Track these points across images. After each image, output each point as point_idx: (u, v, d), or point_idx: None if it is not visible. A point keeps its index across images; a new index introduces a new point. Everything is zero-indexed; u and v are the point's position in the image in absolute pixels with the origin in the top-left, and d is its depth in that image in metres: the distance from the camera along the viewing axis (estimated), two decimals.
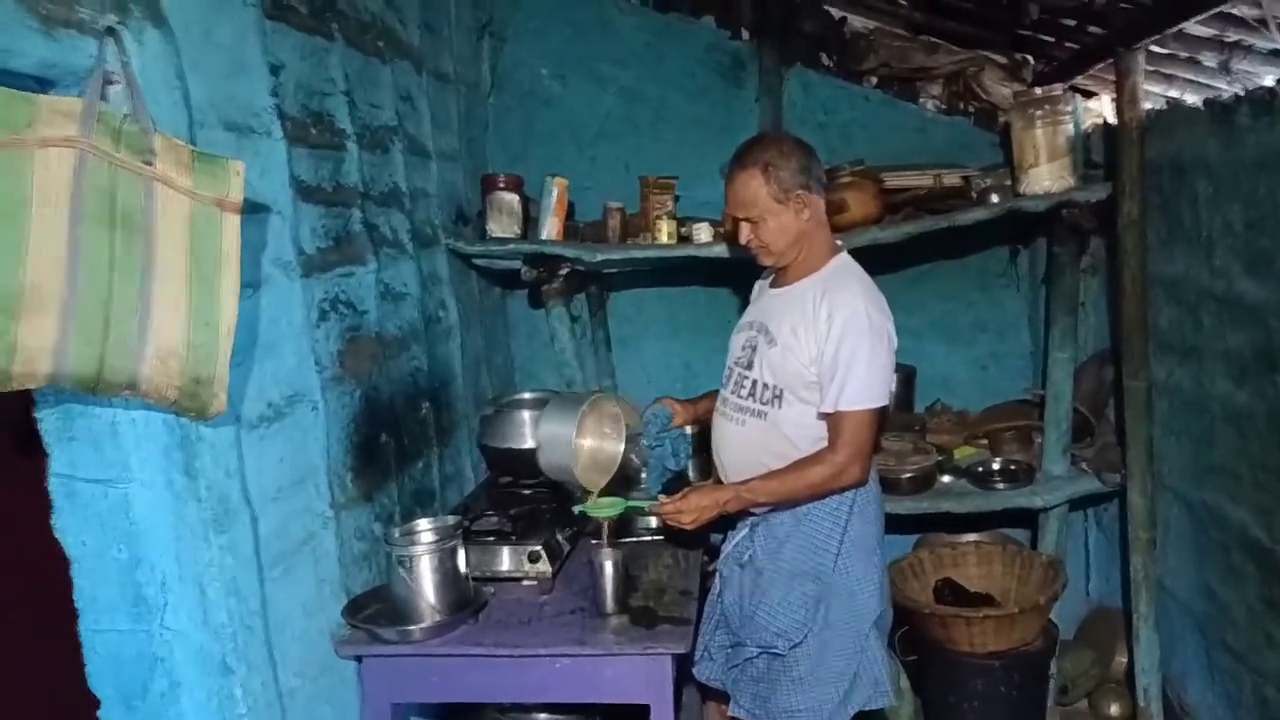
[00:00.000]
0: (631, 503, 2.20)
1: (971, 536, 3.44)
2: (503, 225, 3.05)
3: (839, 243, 2.21)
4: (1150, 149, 2.66)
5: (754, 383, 2.11)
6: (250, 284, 1.81)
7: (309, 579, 1.97)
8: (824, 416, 2.02)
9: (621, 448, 2.23)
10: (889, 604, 2.14)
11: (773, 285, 2.22)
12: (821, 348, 1.98)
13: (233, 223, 1.55)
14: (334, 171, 2.23)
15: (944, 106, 3.48)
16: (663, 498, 2.11)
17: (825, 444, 2.03)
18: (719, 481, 2.30)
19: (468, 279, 3.22)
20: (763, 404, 2.08)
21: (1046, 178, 2.78)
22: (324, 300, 2.12)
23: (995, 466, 3.04)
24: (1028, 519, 3.29)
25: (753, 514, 2.15)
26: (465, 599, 2.09)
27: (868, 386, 1.96)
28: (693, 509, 2.03)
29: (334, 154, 2.24)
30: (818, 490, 2.01)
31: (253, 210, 1.83)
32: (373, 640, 2.00)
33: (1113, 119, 3.00)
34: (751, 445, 2.10)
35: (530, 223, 3.17)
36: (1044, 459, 2.99)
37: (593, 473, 2.16)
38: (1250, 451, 2.31)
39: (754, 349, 2.14)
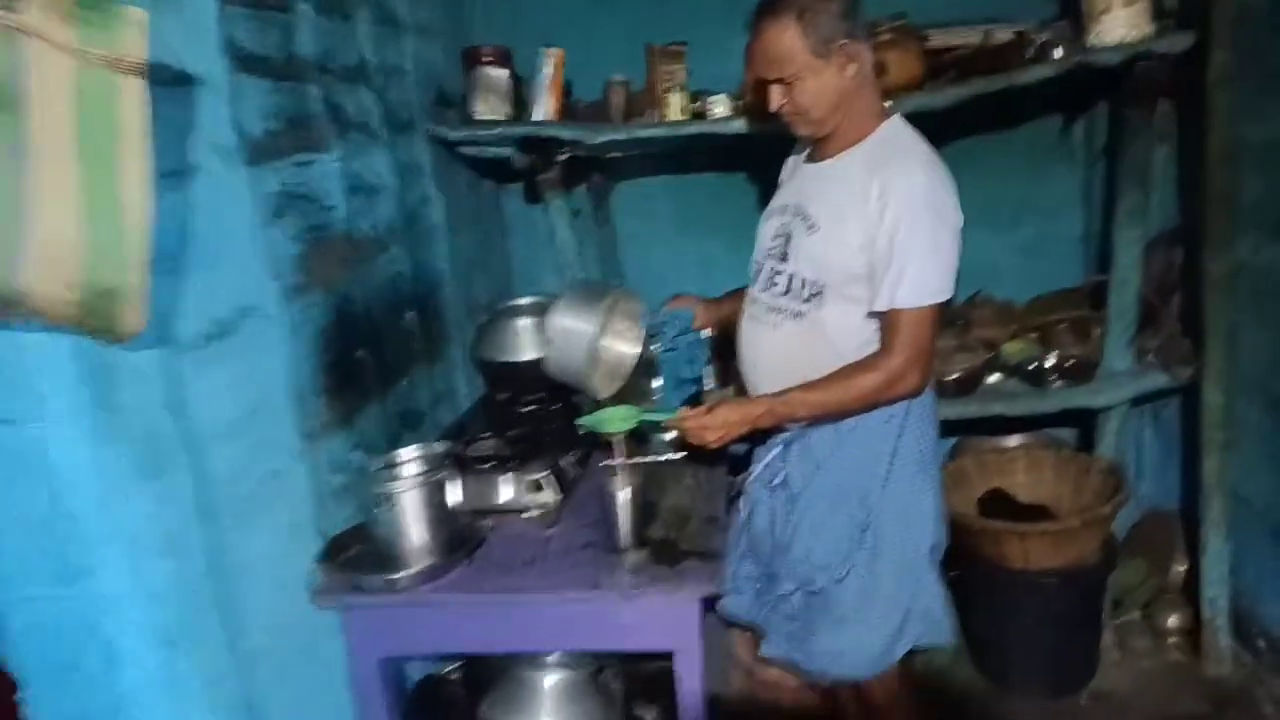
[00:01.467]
0: (647, 415, 1.90)
1: (1016, 439, 3.15)
2: (490, 106, 2.67)
3: (888, 104, 1.85)
4: None
5: (790, 278, 1.79)
6: (175, 172, 1.49)
7: (276, 523, 1.70)
8: (876, 315, 1.70)
9: (638, 351, 1.92)
10: (945, 528, 1.86)
11: (809, 160, 1.87)
12: (873, 232, 1.65)
13: (134, 88, 1.21)
14: (283, 38, 1.87)
15: None
16: (684, 410, 1.82)
17: (875, 348, 1.73)
18: (742, 393, 2.01)
19: (455, 171, 2.86)
20: (801, 303, 1.77)
21: (1122, 25, 2.37)
22: (278, 194, 1.79)
23: (1050, 362, 2.72)
24: (1076, 418, 3.00)
25: (786, 429, 1.85)
26: (459, 537, 1.82)
27: (929, 277, 1.64)
28: (719, 424, 1.74)
29: (282, 17, 1.88)
30: (868, 402, 1.71)
31: (175, 81, 1.50)
32: (354, 589, 1.73)
33: None
34: (787, 352, 1.80)
35: (521, 104, 2.79)
36: (1106, 352, 2.66)
37: (603, 377, 1.85)
38: None
39: (788, 238, 1.80)
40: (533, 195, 3.31)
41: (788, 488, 1.85)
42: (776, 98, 1.73)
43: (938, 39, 2.68)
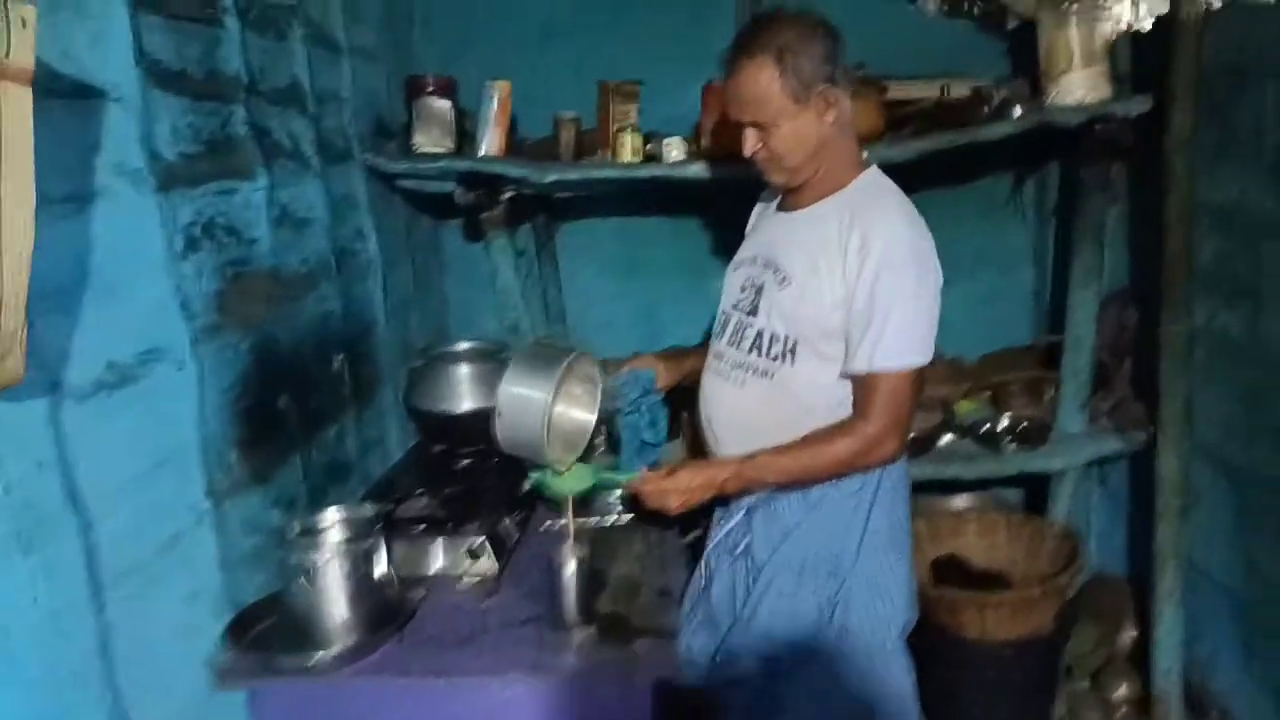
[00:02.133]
0: (604, 475, 1.75)
1: (963, 499, 3.09)
2: (432, 138, 2.52)
3: (864, 154, 1.75)
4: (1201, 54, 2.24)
5: (759, 333, 1.67)
6: (73, 196, 1.30)
7: (177, 594, 1.50)
8: (850, 376, 1.58)
9: (594, 418, 1.76)
10: (916, 605, 1.74)
11: (781, 209, 1.76)
12: (852, 288, 1.54)
13: (18, 99, 1.02)
14: (206, 53, 1.69)
15: (946, 6, 3.01)
16: (644, 472, 1.67)
17: (847, 409, 1.61)
18: (700, 454, 1.88)
19: (392, 204, 2.70)
20: (771, 359, 1.65)
21: (1080, 86, 2.35)
22: (193, 224, 1.60)
23: (1003, 424, 2.66)
24: (1023, 478, 2.95)
25: (749, 495, 1.72)
26: (387, 610, 1.63)
27: (910, 339, 1.53)
28: (682, 488, 1.61)
29: (205, 30, 1.70)
30: (842, 469, 1.59)
31: (76, 94, 1.32)
32: (265, 671, 1.53)
33: (1139, 24, 2.60)
34: (755, 411, 1.67)
35: (466, 137, 2.64)
36: (1060, 414, 2.61)
37: (556, 447, 1.69)
38: None
39: (759, 290, 1.69)
40: (473, 233, 3.15)
41: (751, 557, 1.72)
42: (751, 142, 1.62)
43: (896, 91, 2.63)
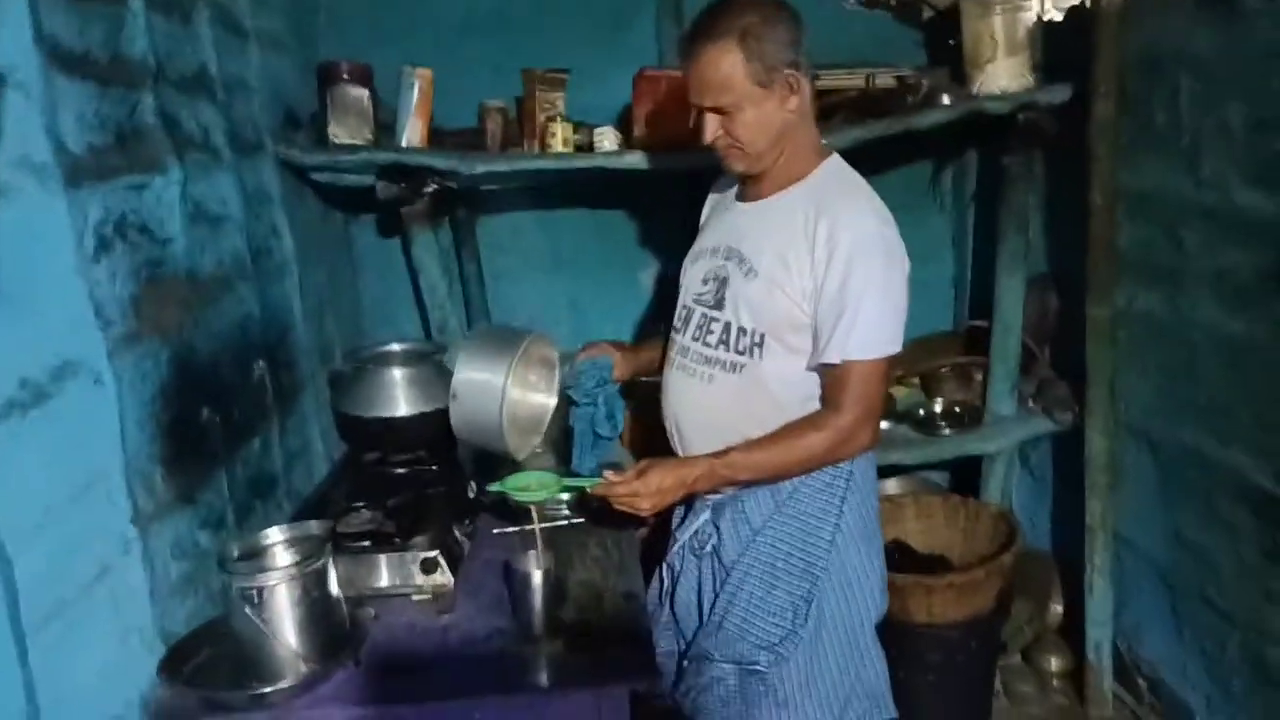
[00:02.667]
0: (569, 482, 1.67)
1: (894, 483, 3.14)
2: (349, 129, 2.37)
3: (824, 141, 1.73)
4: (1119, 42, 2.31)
5: (726, 326, 1.62)
6: None
7: (106, 631, 1.35)
8: (821, 367, 1.55)
9: (553, 401, 1.68)
10: (887, 595, 1.73)
11: (743, 199, 1.71)
12: (820, 279, 1.51)
13: None
14: (110, 35, 1.53)
15: None
16: (610, 474, 1.60)
17: (816, 403, 1.58)
18: (646, 452, 1.82)
19: (303, 199, 2.54)
20: (738, 353, 1.60)
21: (1005, 75, 2.40)
22: (104, 222, 1.44)
23: (938, 409, 2.70)
24: (950, 461, 3.00)
25: (716, 492, 1.68)
26: (340, 635, 1.52)
27: (882, 328, 1.51)
28: (653, 490, 1.54)
29: (108, 9, 1.54)
30: (816, 463, 1.56)
31: None
32: (207, 708, 1.40)
33: (1048, 15, 2.66)
34: (723, 407, 1.62)
35: (381, 129, 2.50)
36: (990, 398, 2.67)
37: (514, 434, 1.60)
38: (1250, 386, 2.04)
39: (723, 282, 1.64)
40: (390, 228, 3.01)
41: (719, 557, 1.67)
42: (711, 128, 1.57)
43: (823, 81, 2.62)
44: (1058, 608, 2.86)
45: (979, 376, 2.77)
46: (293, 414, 2.25)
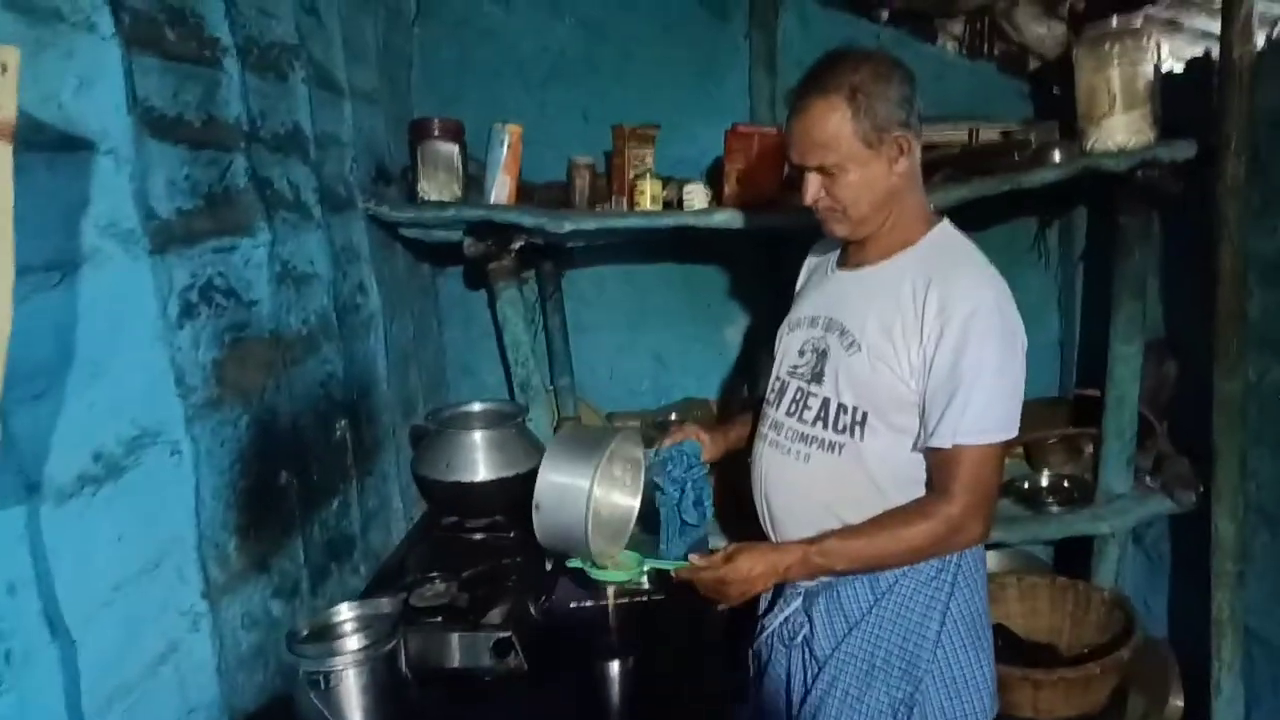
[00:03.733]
0: (653, 562, 1.57)
1: (993, 558, 2.94)
2: (439, 185, 2.36)
3: (932, 206, 1.62)
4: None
5: (824, 402, 1.51)
6: (56, 264, 1.13)
7: (170, 712, 1.30)
8: (929, 451, 1.43)
9: (637, 504, 1.59)
10: (998, 702, 1.57)
11: (844, 266, 1.61)
12: (930, 356, 1.40)
13: None
14: (204, 98, 1.53)
15: (965, 49, 2.92)
16: (695, 558, 1.50)
17: (920, 488, 1.46)
18: (735, 531, 1.71)
19: (392, 253, 2.53)
20: (837, 432, 1.49)
21: (1122, 130, 2.24)
22: (190, 287, 1.43)
23: (1044, 483, 2.52)
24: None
25: (810, 579, 1.56)
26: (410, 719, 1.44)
27: (997, 411, 1.39)
28: (742, 578, 1.44)
29: (204, 72, 1.54)
30: (920, 555, 1.44)
31: (62, 147, 1.15)
32: None
33: (1166, 66, 2.50)
34: (820, 489, 1.51)
35: (470, 183, 2.49)
36: (1103, 474, 2.48)
37: (599, 539, 1.51)
38: None
39: (822, 355, 1.53)
40: (475, 281, 2.99)
41: (810, 649, 1.55)
42: (813, 189, 1.48)
43: (926, 136, 2.51)
44: (1178, 703, 2.62)
45: (1089, 449, 2.59)
46: (372, 472, 2.21)
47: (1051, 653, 2.37)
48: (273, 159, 1.77)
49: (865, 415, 1.47)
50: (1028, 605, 2.53)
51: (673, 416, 2.81)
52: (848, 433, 1.48)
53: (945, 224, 1.55)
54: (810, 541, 1.46)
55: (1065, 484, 2.51)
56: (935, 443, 1.41)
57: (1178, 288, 2.59)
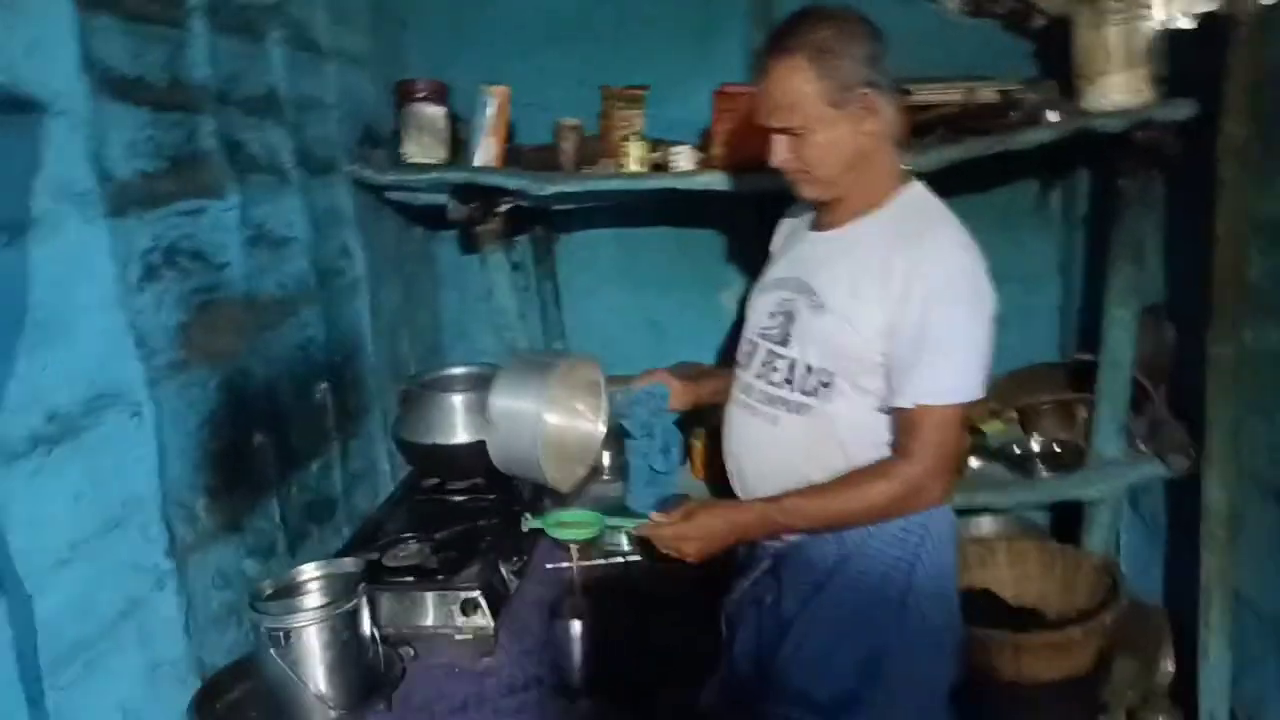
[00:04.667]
0: (613, 521, 1.59)
1: (988, 522, 2.93)
2: (424, 148, 2.35)
3: (905, 167, 1.59)
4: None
5: (792, 364, 1.51)
6: (6, 226, 1.14)
7: (132, 667, 1.33)
8: (893, 411, 1.43)
9: (601, 429, 1.60)
10: (963, 661, 1.57)
11: (815, 228, 1.60)
12: (897, 317, 1.39)
13: None
14: (169, 59, 1.53)
15: (968, 6, 2.85)
16: (656, 516, 1.51)
17: (887, 449, 1.46)
18: (714, 479, 1.71)
19: (381, 218, 2.53)
20: (804, 394, 1.49)
21: (1120, 90, 2.19)
22: (152, 250, 1.43)
23: (1035, 448, 2.50)
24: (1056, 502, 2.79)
25: (777, 540, 1.56)
26: (372, 677, 1.47)
27: (962, 373, 1.39)
28: (701, 534, 1.45)
29: (169, 32, 1.54)
30: (881, 515, 1.44)
31: (12, 109, 1.16)
32: None
33: (1173, 23, 2.43)
34: (788, 451, 1.51)
35: (459, 146, 2.48)
36: (1096, 439, 2.45)
37: (560, 465, 1.52)
38: None
39: (790, 317, 1.53)
40: (469, 245, 2.99)
41: (779, 609, 1.55)
42: (780, 151, 1.47)
43: (919, 95, 2.46)
44: (1169, 666, 2.61)
45: (1084, 414, 2.55)
46: (358, 436, 2.23)
47: (1037, 617, 2.36)
48: (245, 122, 1.77)
49: (832, 377, 1.46)
50: (1017, 570, 2.52)
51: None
52: (814, 394, 1.48)
53: (917, 185, 1.53)
54: (770, 500, 1.47)
55: (1057, 449, 2.48)
56: (899, 403, 1.41)
57: (1179, 251, 2.53)
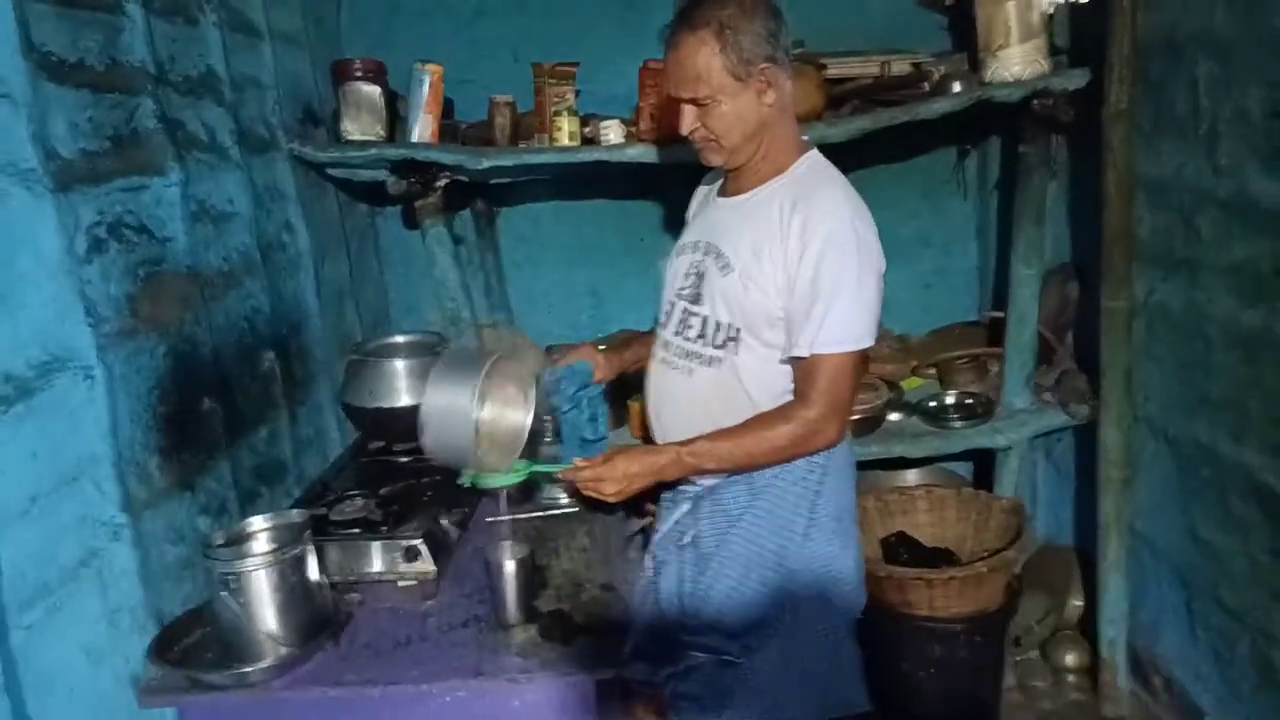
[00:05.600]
0: (538, 466, 1.71)
1: (914, 474, 3.11)
2: (362, 125, 2.44)
3: (806, 138, 1.72)
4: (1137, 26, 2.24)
5: (704, 320, 1.63)
6: None
7: (93, 613, 1.43)
8: (792, 361, 1.56)
9: (529, 418, 1.70)
10: (864, 591, 1.73)
11: (722, 194, 1.72)
12: (793, 273, 1.51)
13: None
14: (106, 43, 1.61)
15: None
16: (578, 460, 1.63)
17: (791, 398, 1.59)
18: (647, 442, 1.84)
19: (323, 194, 2.61)
20: (715, 348, 1.61)
21: (1018, 61, 2.34)
22: (98, 224, 1.52)
23: (950, 401, 2.67)
24: (974, 452, 2.96)
25: (695, 484, 1.70)
26: (320, 618, 1.58)
27: (852, 323, 1.51)
28: (619, 476, 1.56)
29: (105, 18, 1.61)
30: (782, 455, 1.57)
31: None
32: (192, 686, 1.47)
33: None
34: (701, 401, 1.64)
35: (398, 123, 2.57)
36: (1004, 391, 2.62)
37: (493, 453, 1.64)
38: (1263, 382, 1.97)
39: (701, 277, 1.65)
40: (412, 220, 3.08)
41: (698, 547, 1.69)
42: (688, 120, 1.58)
43: (835, 69, 2.60)
44: (1077, 603, 2.81)
45: (995, 369, 2.73)
46: (305, 403, 2.33)
47: (951, 557, 2.53)
48: (184, 101, 1.85)
49: (739, 331, 1.59)
50: (935, 515, 2.69)
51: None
52: (724, 348, 1.60)
53: (814, 153, 1.65)
54: (683, 444, 1.59)
55: (969, 402, 2.65)
56: (796, 352, 1.53)
57: (1081, 212, 2.70)
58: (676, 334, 1.71)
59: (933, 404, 2.67)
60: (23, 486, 1.29)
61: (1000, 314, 2.77)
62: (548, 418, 2.05)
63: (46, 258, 1.39)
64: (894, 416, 2.67)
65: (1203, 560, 2.23)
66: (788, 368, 1.60)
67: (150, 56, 1.72)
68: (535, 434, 2.11)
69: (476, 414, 1.53)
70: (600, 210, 3.17)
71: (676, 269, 1.76)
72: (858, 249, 1.52)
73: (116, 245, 1.56)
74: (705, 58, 1.52)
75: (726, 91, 1.54)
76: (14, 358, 1.30)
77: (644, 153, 2.38)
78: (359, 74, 2.44)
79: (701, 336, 1.65)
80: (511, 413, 1.69)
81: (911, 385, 2.81)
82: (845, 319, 1.51)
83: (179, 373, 1.71)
